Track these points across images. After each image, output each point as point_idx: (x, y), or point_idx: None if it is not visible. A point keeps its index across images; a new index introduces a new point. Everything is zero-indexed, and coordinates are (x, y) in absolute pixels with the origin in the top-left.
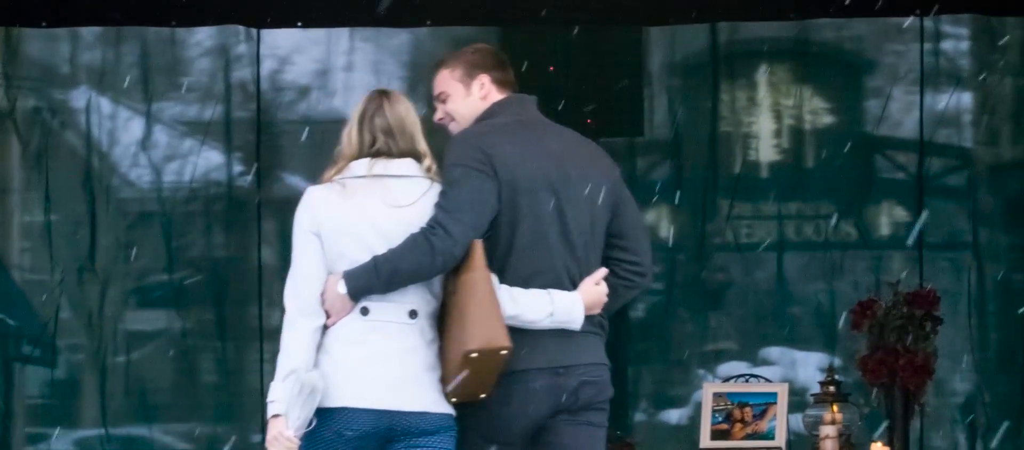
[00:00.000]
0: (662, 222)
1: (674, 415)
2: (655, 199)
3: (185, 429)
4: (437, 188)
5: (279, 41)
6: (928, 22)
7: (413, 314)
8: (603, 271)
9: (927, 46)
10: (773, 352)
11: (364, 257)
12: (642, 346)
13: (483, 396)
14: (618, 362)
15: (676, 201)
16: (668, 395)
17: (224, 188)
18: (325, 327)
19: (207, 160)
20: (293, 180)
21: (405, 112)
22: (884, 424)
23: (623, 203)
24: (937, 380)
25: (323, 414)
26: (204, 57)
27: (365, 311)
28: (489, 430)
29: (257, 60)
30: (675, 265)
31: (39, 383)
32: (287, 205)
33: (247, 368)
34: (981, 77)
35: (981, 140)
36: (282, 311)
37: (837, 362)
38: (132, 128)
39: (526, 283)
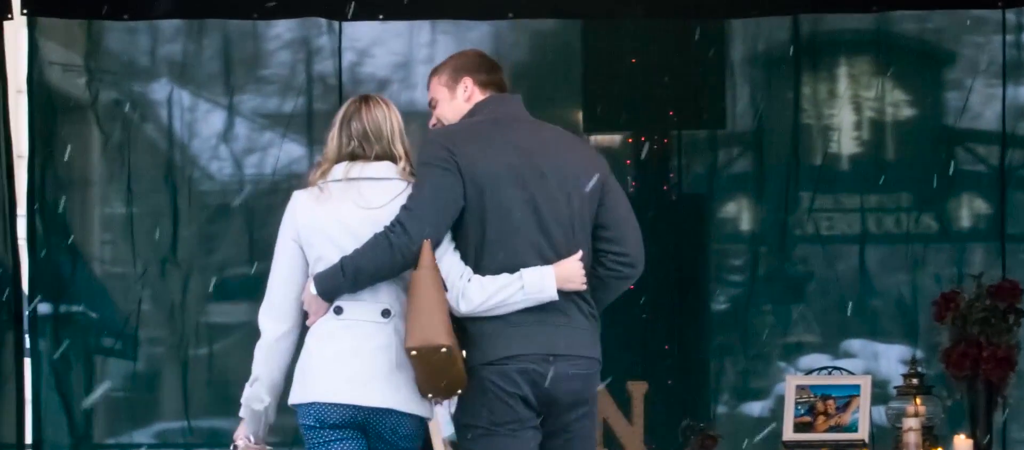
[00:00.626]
0: (743, 215)
1: (756, 407)
2: (737, 191)
3: None
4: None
5: (359, 33)
6: (1010, 14)
7: (386, 313)
8: (580, 252)
9: (1009, 38)
10: (855, 344)
11: (338, 258)
12: (723, 338)
13: (459, 392)
14: (699, 354)
15: (758, 193)
16: (750, 387)
17: (305, 181)
18: (306, 327)
19: (288, 152)
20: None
21: (382, 116)
22: (967, 417)
23: (609, 196)
24: (1020, 372)
25: (303, 408)
26: (284, 50)
27: (339, 310)
28: (488, 416)
29: (339, 53)
30: (757, 257)
31: (121, 376)
32: None
33: None
34: None
35: None
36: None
37: (919, 354)
38: (212, 121)
39: (501, 272)
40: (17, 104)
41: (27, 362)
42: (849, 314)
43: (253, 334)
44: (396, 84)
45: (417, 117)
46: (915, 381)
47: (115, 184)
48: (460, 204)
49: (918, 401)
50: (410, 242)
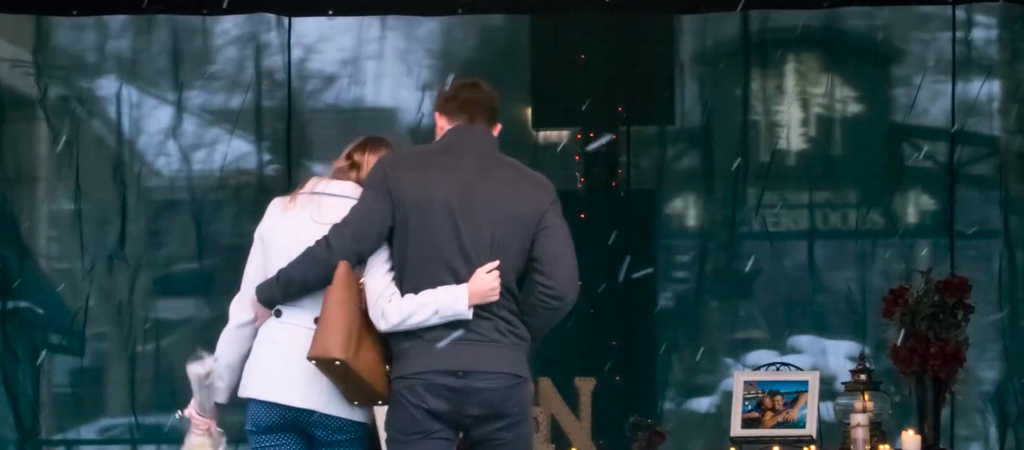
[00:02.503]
0: (691, 211)
1: (703, 403)
2: (685, 187)
3: None
4: None
5: (308, 29)
6: (959, 11)
7: (318, 320)
8: (494, 263)
9: (958, 34)
10: (802, 340)
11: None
12: (671, 335)
13: (381, 402)
14: (647, 350)
15: (706, 190)
16: (697, 384)
17: (253, 176)
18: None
19: (236, 148)
20: (321, 169)
21: (386, 151)
22: (915, 412)
23: (545, 232)
24: (968, 368)
25: (248, 407)
26: (232, 45)
27: (278, 313)
28: (395, 424)
29: (287, 48)
30: (705, 253)
31: (67, 372)
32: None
33: None
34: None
35: (1010, 128)
36: None
37: (867, 350)
38: (160, 117)
39: (420, 291)
40: None
41: None
42: (797, 310)
43: (200, 330)
44: (344, 79)
45: (365, 112)
46: (863, 377)
47: (63, 180)
48: (387, 226)
49: (866, 397)
50: (331, 256)
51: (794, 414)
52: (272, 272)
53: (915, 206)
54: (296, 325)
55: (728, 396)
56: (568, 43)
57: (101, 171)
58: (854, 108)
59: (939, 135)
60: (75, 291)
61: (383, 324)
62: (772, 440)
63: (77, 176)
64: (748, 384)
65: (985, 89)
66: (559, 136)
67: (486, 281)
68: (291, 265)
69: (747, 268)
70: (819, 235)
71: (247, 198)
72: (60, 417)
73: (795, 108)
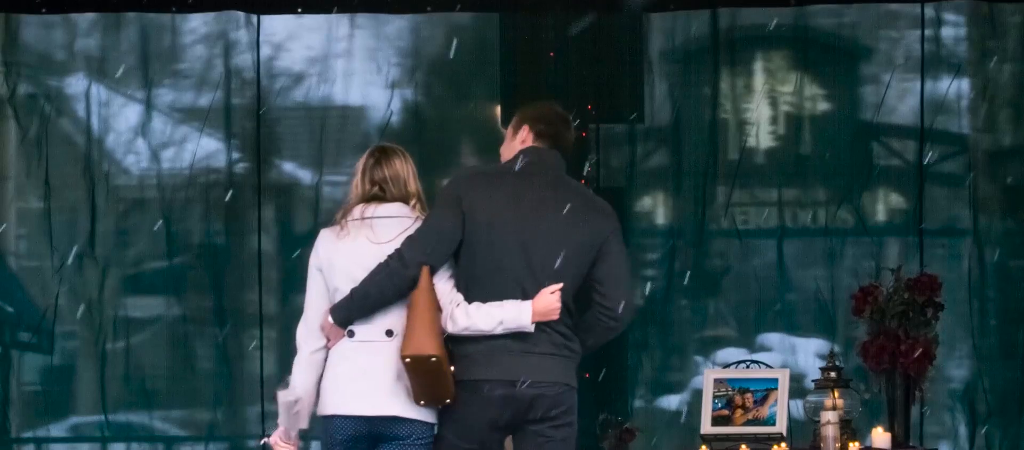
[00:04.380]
0: (660, 208)
1: (673, 401)
2: (654, 185)
3: (183, 415)
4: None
5: (275, 27)
6: (928, 8)
7: (389, 333)
8: (559, 285)
9: (927, 32)
10: (772, 338)
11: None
12: (640, 333)
13: (448, 401)
14: (616, 348)
15: (675, 187)
16: (666, 381)
17: (222, 174)
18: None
19: (205, 147)
20: (290, 167)
21: (399, 164)
22: (884, 410)
23: (607, 255)
24: (937, 366)
25: (323, 422)
26: (201, 43)
27: (351, 333)
28: (455, 429)
29: (256, 46)
30: (674, 251)
31: (36, 370)
32: (285, 191)
33: (245, 354)
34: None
35: (979, 127)
36: (278, 297)
37: (837, 348)
38: (128, 115)
39: (486, 302)
40: None
41: None
42: (766, 308)
43: (170, 328)
44: (313, 78)
45: (334, 111)
46: (833, 375)
47: (32, 178)
48: (457, 238)
49: (836, 394)
50: (404, 267)
51: (764, 412)
52: (337, 297)
53: (884, 204)
54: (368, 341)
55: (698, 394)
56: (537, 41)
57: (70, 169)
58: (823, 106)
59: (908, 133)
60: (44, 289)
61: (450, 326)
62: (742, 438)
63: (46, 174)
64: (718, 382)
65: (954, 87)
66: None
67: (549, 301)
68: (365, 282)
69: (716, 266)
70: (788, 233)
71: (217, 196)
72: (29, 415)
73: (764, 106)
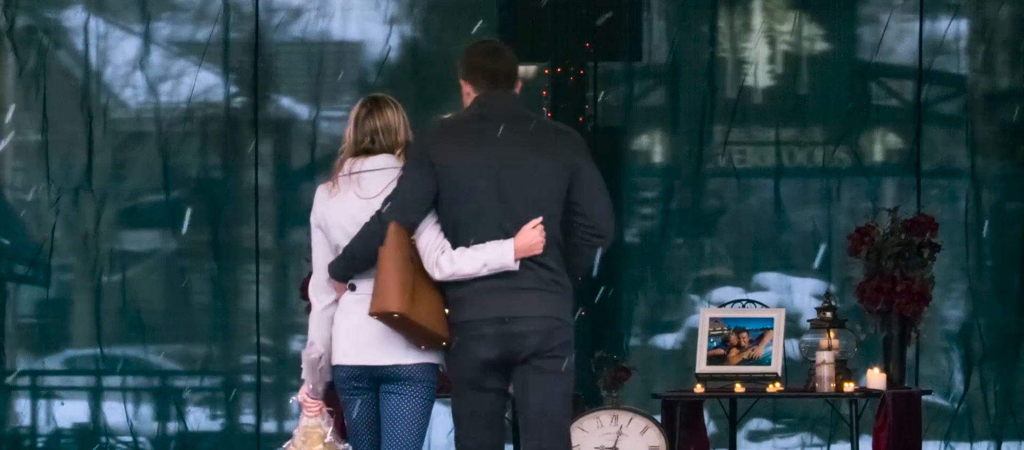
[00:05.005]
0: (657, 147)
1: (668, 340)
2: (651, 124)
3: (178, 349)
4: None
5: None
6: None
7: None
8: (538, 220)
9: None
10: (768, 278)
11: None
12: (636, 272)
13: (444, 344)
14: (614, 287)
15: (672, 126)
16: (662, 320)
17: (220, 109)
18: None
19: (203, 81)
20: (288, 102)
21: (391, 114)
22: (880, 351)
23: (578, 177)
24: (933, 307)
25: (334, 370)
26: None
27: (353, 287)
28: (455, 369)
29: None
30: (670, 190)
31: (32, 303)
32: (282, 127)
33: (241, 289)
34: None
35: (977, 68)
36: (274, 233)
37: (832, 288)
38: (126, 48)
39: (470, 246)
40: None
41: None
42: (762, 247)
43: (165, 261)
44: (311, 13)
45: (332, 46)
46: (828, 315)
47: (29, 111)
48: (432, 193)
49: (831, 334)
50: (382, 226)
51: (759, 351)
52: (337, 252)
53: (881, 144)
54: (367, 295)
55: (693, 333)
56: None
57: (67, 102)
58: (821, 46)
59: (906, 73)
60: (40, 222)
61: (437, 273)
62: (737, 377)
63: (44, 107)
64: (714, 321)
65: (952, 28)
66: (526, 71)
67: (531, 236)
68: (352, 241)
69: (713, 205)
70: (785, 173)
71: (214, 131)
72: (25, 348)
73: (762, 45)
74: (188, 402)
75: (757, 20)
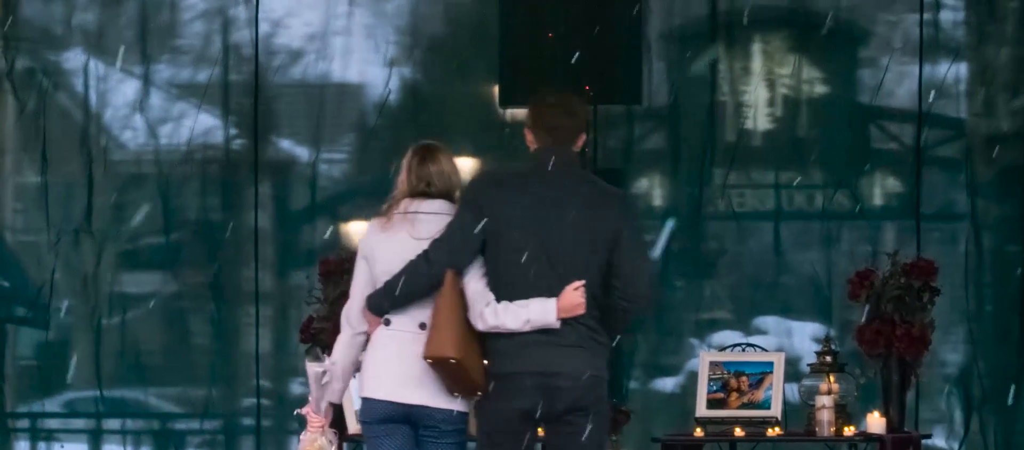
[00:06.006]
0: (657, 190)
1: (668, 383)
2: (651, 167)
3: (178, 392)
4: None
5: (275, 4)
6: None
7: (422, 325)
8: (581, 282)
9: (925, 16)
10: (767, 321)
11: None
12: None
13: (479, 393)
14: None
15: (672, 169)
16: (662, 364)
17: (219, 151)
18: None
19: (203, 123)
20: (288, 144)
21: (444, 160)
22: (880, 395)
23: (621, 242)
24: (933, 351)
25: (362, 403)
26: (200, 19)
27: (387, 322)
28: (490, 420)
29: (255, 23)
30: (670, 234)
31: (32, 345)
32: (282, 169)
33: (241, 331)
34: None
35: (977, 111)
36: (274, 274)
37: (832, 332)
38: (125, 90)
39: (514, 299)
40: None
41: None
42: (762, 291)
43: (166, 304)
44: (311, 55)
45: (332, 88)
46: (828, 359)
47: (29, 153)
48: (481, 240)
49: (831, 379)
50: (430, 269)
51: (759, 395)
52: (378, 285)
53: (881, 188)
54: (403, 331)
55: (693, 376)
56: (536, 21)
57: (67, 144)
58: (821, 89)
59: (905, 117)
60: (40, 264)
61: (480, 324)
62: (737, 421)
63: (43, 149)
64: (713, 364)
65: (952, 71)
66: (526, 114)
67: (573, 298)
68: (396, 277)
69: (713, 248)
70: (785, 216)
71: (214, 173)
72: (24, 390)
73: (762, 88)
74: (188, 445)
75: (757, 63)
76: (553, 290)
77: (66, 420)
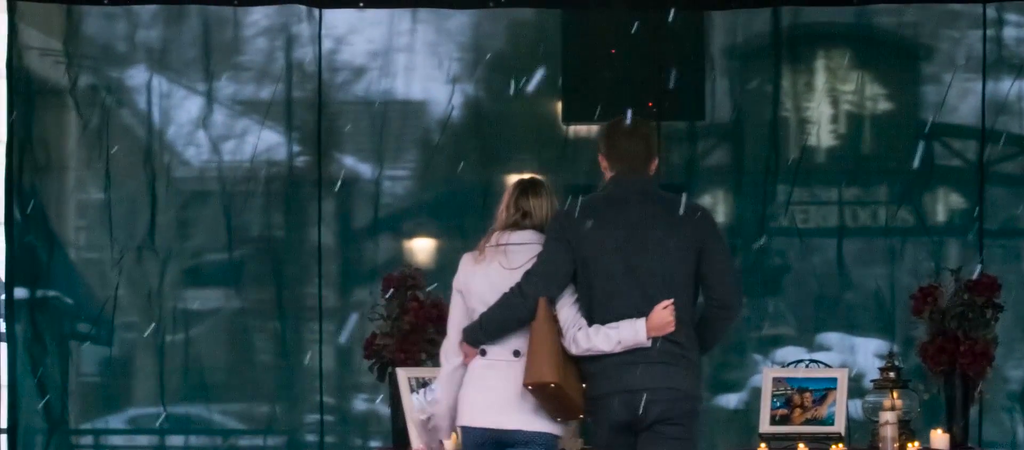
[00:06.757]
0: (720, 207)
1: (732, 400)
2: (714, 183)
3: (242, 408)
4: None
5: (338, 21)
6: (990, 9)
7: (516, 353)
8: (669, 301)
9: (988, 32)
10: (831, 337)
11: (483, 310)
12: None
13: (581, 415)
14: None
15: (735, 185)
16: (726, 380)
17: (282, 167)
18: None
19: (266, 139)
20: (351, 160)
21: (544, 195)
22: (943, 411)
23: (705, 253)
24: (996, 367)
25: (462, 431)
26: (263, 36)
27: (483, 352)
28: (592, 440)
29: (318, 40)
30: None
31: (95, 361)
32: (345, 185)
33: (304, 348)
34: None
35: None
36: (338, 291)
37: (896, 348)
38: (189, 107)
39: (606, 323)
40: None
41: (2, 347)
42: (826, 307)
43: (229, 320)
44: (374, 72)
45: (396, 105)
46: (892, 375)
47: (92, 170)
48: (570, 269)
49: (895, 395)
50: (524, 301)
51: (823, 411)
52: (474, 317)
53: (944, 204)
54: (499, 360)
55: (757, 392)
56: (599, 38)
57: (130, 161)
58: (884, 105)
59: (968, 133)
60: (104, 280)
61: (574, 349)
62: (801, 437)
63: (106, 165)
64: (777, 381)
65: (1015, 88)
66: (589, 130)
67: (663, 316)
68: (491, 309)
69: (776, 264)
70: (848, 232)
71: (277, 189)
72: (88, 407)
73: (825, 105)
74: None
75: (820, 80)
76: (642, 311)
77: (130, 437)
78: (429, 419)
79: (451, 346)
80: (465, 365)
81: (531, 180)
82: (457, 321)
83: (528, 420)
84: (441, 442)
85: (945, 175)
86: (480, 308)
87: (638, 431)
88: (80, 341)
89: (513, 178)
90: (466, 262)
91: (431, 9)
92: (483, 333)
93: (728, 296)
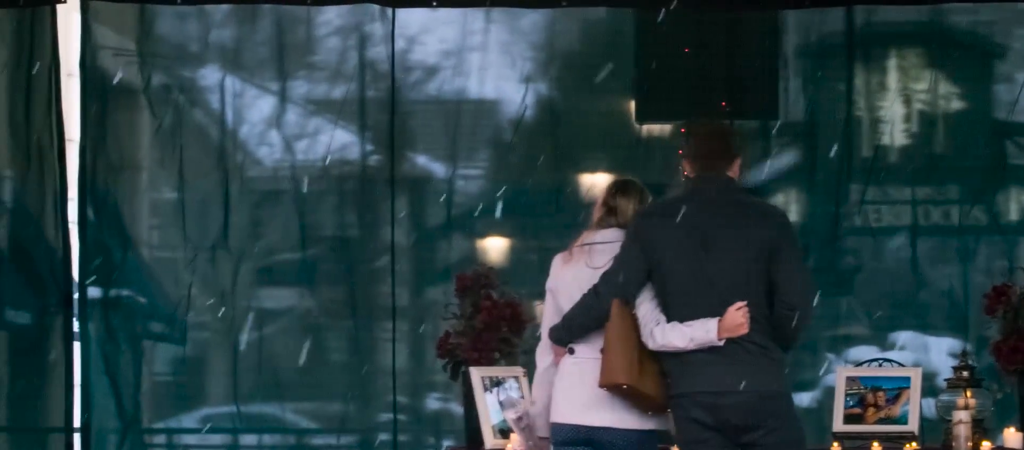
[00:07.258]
0: (794, 205)
1: (805, 398)
2: (787, 182)
3: (314, 407)
4: None
5: (411, 20)
6: None
7: (603, 351)
8: (742, 302)
9: None
10: (904, 336)
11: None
12: None
13: (667, 410)
14: None
15: (808, 184)
16: (799, 379)
17: (356, 167)
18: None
19: (339, 139)
20: (424, 160)
21: (634, 195)
22: (1017, 410)
23: (777, 255)
24: None
25: (552, 427)
26: (335, 36)
27: (571, 351)
28: (679, 437)
29: (391, 39)
30: (807, 249)
31: (168, 361)
32: (418, 185)
33: (378, 347)
34: None
35: None
36: (411, 290)
37: (969, 347)
38: (262, 106)
39: (682, 321)
40: (69, 88)
41: (76, 346)
42: (899, 306)
43: (302, 319)
44: (447, 71)
45: (469, 104)
46: (965, 374)
47: (165, 169)
48: (645, 270)
49: (968, 394)
50: (600, 302)
51: (896, 410)
52: (562, 315)
53: (1017, 203)
54: (586, 358)
55: (830, 391)
56: (672, 37)
57: (203, 160)
58: (957, 104)
59: None
60: (177, 280)
61: (651, 344)
62: (874, 436)
63: (180, 165)
64: (850, 380)
65: None
66: (662, 130)
67: (735, 318)
68: (572, 310)
69: (849, 264)
70: (921, 231)
71: (350, 189)
72: (162, 406)
73: (898, 104)
74: None
75: (893, 79)
76: (716, 312)
77: (203, 436)
78: (520, 418)
79: (543, 346)
80: (556, 364)
81: (624, 180)
82: (549, 320)
83: (616, 418)
84: (540, 439)
85: (1018, 174)
86: (568, 306)
87: (730, 434)
88: (153, 340)
89: (586, 178)
90: (556, 262)
91: (504, 8)
92: (566, 332)
93: (793, 298)
